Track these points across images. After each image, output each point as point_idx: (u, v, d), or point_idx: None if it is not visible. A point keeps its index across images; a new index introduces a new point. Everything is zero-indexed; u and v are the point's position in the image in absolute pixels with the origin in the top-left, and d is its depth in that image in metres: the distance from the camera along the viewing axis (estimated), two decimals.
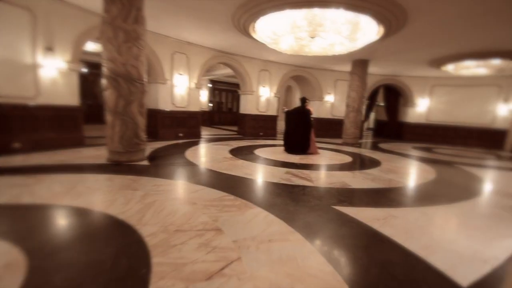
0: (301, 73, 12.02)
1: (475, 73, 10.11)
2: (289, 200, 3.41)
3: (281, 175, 4.71)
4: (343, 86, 12.70)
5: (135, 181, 3.84)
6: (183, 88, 9.13)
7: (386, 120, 14.64)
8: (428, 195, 4.10)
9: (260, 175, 4.73)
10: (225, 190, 3.66)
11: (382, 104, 14.96)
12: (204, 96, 16.11)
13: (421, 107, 13.49)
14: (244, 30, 6.98)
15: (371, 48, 8.32)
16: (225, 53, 10.02)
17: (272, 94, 11.53)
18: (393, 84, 13.45)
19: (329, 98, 12.60)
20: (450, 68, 10.25)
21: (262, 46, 8.46)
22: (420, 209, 3.41)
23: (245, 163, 5.58)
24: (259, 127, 11.46)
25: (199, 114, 9.89)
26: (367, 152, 8.57)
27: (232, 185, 3.94)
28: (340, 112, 12.90)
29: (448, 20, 5.94)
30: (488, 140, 12.16)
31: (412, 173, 5.76)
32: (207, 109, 16.39)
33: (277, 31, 6.08)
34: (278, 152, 7.31)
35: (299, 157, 6.70)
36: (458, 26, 6.24)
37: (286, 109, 7.75)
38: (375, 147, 10.39)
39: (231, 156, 6.37)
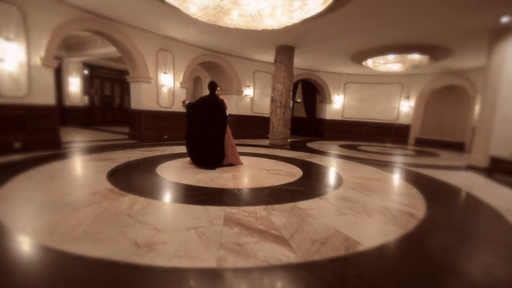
0: (214, 59, 9.57)
1: (390, 70, 9.92)
2: None
3: (219, 237, 2.20)
4: (263, 78, 10.94)
5: None
6: None
7: (305, 117, 13.77)
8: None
9: (171, 248, 2.07)
10: None
11: (299, 100, 14.06)
12: (74, 85, 11.60)
13: (337, 104, 13.12)
14: None
15: (302, 30, 6.74)
16: (98, 16, 6.61)
17: (178, 84, 8.67)
18: (311, 79, 12.58)
19: (249, 91, 10.61)
20: (369, 63, 9.78)
21: (160, 9, 5.64)
22: None
23: (136, 207, 2.80)
24: (162, 128, 8.42)
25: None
26: (305, 156, 6.89)
27: None
28: (261, 108, 11.11)
29: (389, 4, 5.25)
30: (395, 135, 12.64)
31: (396, 191, 4.18)
32: (79, 104, 11.93)
33: None
34: (190, 167, 4.71)
35: (220, 173, 4.32)
36: (398, 13, 5.63)
37: (187, 102, 5.16)
38: (305, 148, 8.97)
39: (109, 186, 3.41)
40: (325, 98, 12.97)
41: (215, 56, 9.53)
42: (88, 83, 12.63)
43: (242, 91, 10.42)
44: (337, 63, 10.65)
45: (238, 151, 5.26)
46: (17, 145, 5.40)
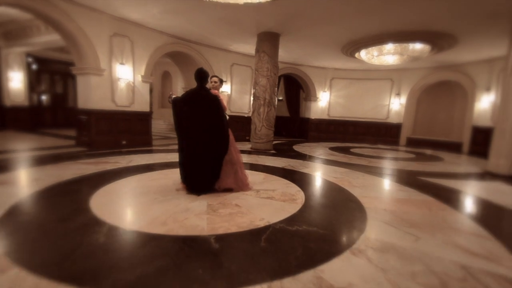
0: (184, 49, 8.03)
1: (384, 63, 8.93)
2: None
3: None
4: (242, 73, 9.56)
5: None
6: None
7: (287, 116, 12.55)
8: None
9: None
10: None
11: (280, 98, 12.82)
12: (17, 81, 9.51)
13: (323, 102, 12.02)
14: None
15: (290, 10, 5.52)
16: None
17: (139, 78, 7.06)
18: (295, 74, 11.37)
19: (225, 88, 9.17)
20: (362, 55, 8.73)
21: None
22: None
23: None
24: (120, 131, 6.78)
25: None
26: (297, 165, 5.60)
27: None
28: (240, 106, 9.73)
29: None
30: (385, 135, 11.77)
31: (447, 225, 2.98)
32: (23, 103, 9.86)
33: None
34: (147, 192, 3.24)
35: (189, 202, 2.94)
36: None
37: (173, 96, 3.62)
38: (292, 152, 7.71)
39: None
40: (310, 96, 11.82)
41: (186, 46, 8.00)
42: (35, 79, 10.55)
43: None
44: (325, 55, 9.50)
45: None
46: None
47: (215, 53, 8.77)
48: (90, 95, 6.21)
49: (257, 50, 7.44)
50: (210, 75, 3.61)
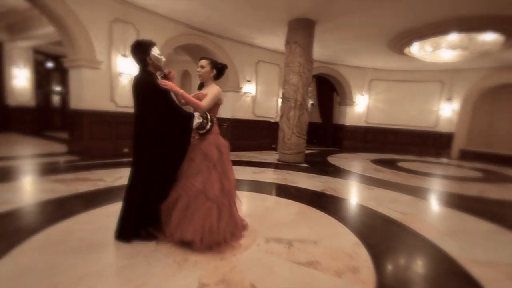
0: (202, 42, 6.90)
1: (439, 59, 7.32)
2: None
3: None
4: (269, 72, 8.30)
5: None
6: None
7: (319, 123, 11.08)
8: None
9: None
10: None
11: (312, 102, 11.40)
12: (22, 78, 8.75)
13: (360, 106, 10.46)
14: None
15: None
16: None
17: None
18: (328, 74, 9.94)
19: (249, 88, 7.94)
20: (414, 50, 7.19)
21: None
22: None
23: None
24: (120, 137, 5.63)
25: None
26: (338, 187, 4.20)
27: None
28: (266, 110, 8.44)
29: None
30: (433, 145, 10.00)
31: None
32: (29, 104, 9.10)
33: None
34: (136, 247, 1.98)
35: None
36: None
37: (161, 74, 2.19)
38: (328, 166, 6.30)
39: None
40: (345, 99, 10.31)
41: (203, 38, 6.86)
42: (45, 77, 9.90)
43: (241, 88, 7.75)
44: (366, 51, 8.02)
45: (229, 176, 2.25)
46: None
47: (238, 47, 7.57)
48: (83, 92, 5.13)
49: (287, 42, 6.15)
50: (200, 58, 2.32)
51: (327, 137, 10.84)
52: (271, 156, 7.00)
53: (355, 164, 6.95)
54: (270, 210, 3.02)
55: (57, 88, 10.42)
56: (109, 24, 5.22)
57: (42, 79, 9.68)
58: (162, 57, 2.12)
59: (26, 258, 1.77)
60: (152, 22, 5.78)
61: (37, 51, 9.15)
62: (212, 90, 2.20)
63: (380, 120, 10.46)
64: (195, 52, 7.29)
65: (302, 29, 5.93)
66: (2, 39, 8.26)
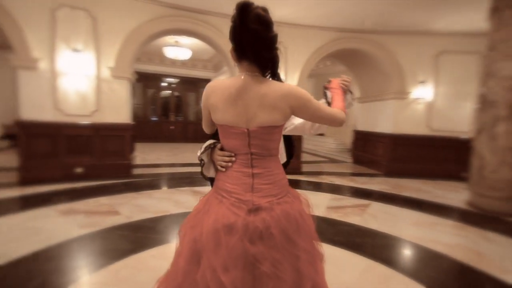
0: (356, 45, 5.74)
1: None
2: None
3: None
4: (457, 66, 5.76)
5: None
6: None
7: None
8: None
9: None
10: None
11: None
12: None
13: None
14: None
15: None
16: None
17: (107, 72, 4.75)
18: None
19: (423, 92, 5.80)
20: None
21: None
22: None
23: None
24: (70, 154, 4.60)
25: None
26: None
27: None
28: (449, 121, 5.89)
29: None
30: None
31: None
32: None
33: None
34: None
35: None
36: None
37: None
38: None
39: None
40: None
41: (358, 39, 5.69)
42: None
43: (409, 93, 5.80)
44: None
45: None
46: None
47: (406, 41, 5.72)
48: (19, 99, 4.21)
49: (494, 9, 3.83)
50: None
51: None
52: (455, 194, 4.60)
53: None
54: None
55: None
56: (51, 12, 4.19)
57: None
58: None
59: None
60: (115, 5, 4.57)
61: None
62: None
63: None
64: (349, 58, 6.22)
65: None
66: None
